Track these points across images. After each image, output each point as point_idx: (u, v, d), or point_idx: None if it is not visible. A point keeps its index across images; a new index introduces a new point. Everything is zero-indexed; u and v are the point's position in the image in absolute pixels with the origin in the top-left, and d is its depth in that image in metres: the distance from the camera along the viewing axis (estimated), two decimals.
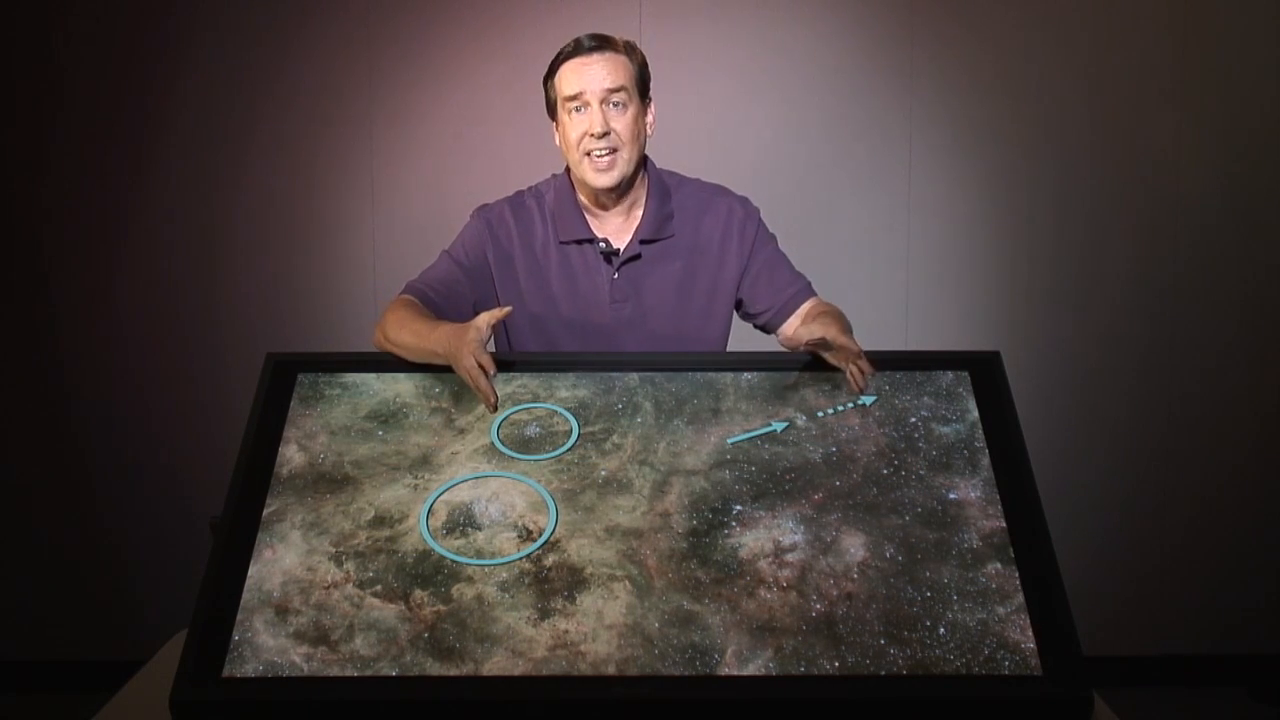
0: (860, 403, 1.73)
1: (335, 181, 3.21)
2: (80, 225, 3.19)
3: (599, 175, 1.93)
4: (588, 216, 2.01)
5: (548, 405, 1.75)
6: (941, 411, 1.72)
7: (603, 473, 1.64)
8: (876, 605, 1.47)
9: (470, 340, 1.68)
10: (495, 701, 1.38)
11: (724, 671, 1.40)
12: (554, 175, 2.07)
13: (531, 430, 1.71)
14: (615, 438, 1.69)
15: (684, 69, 3.15)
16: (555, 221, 2.01)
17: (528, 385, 1.78)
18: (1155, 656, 3.28)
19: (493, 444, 1.69)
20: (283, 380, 1.77)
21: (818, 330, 1.74)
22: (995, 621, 1.45)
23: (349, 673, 1.40)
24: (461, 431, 1.71)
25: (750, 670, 1.40)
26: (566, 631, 1.44)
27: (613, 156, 1.91)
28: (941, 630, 1.44)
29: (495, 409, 1.71)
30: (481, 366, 1.67)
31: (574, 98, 1.91)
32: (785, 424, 1.70)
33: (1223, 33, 3.16)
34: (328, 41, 3.16)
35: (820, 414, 1.72)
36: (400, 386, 1.78)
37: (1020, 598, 1.48)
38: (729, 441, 1.68)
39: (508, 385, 1.77)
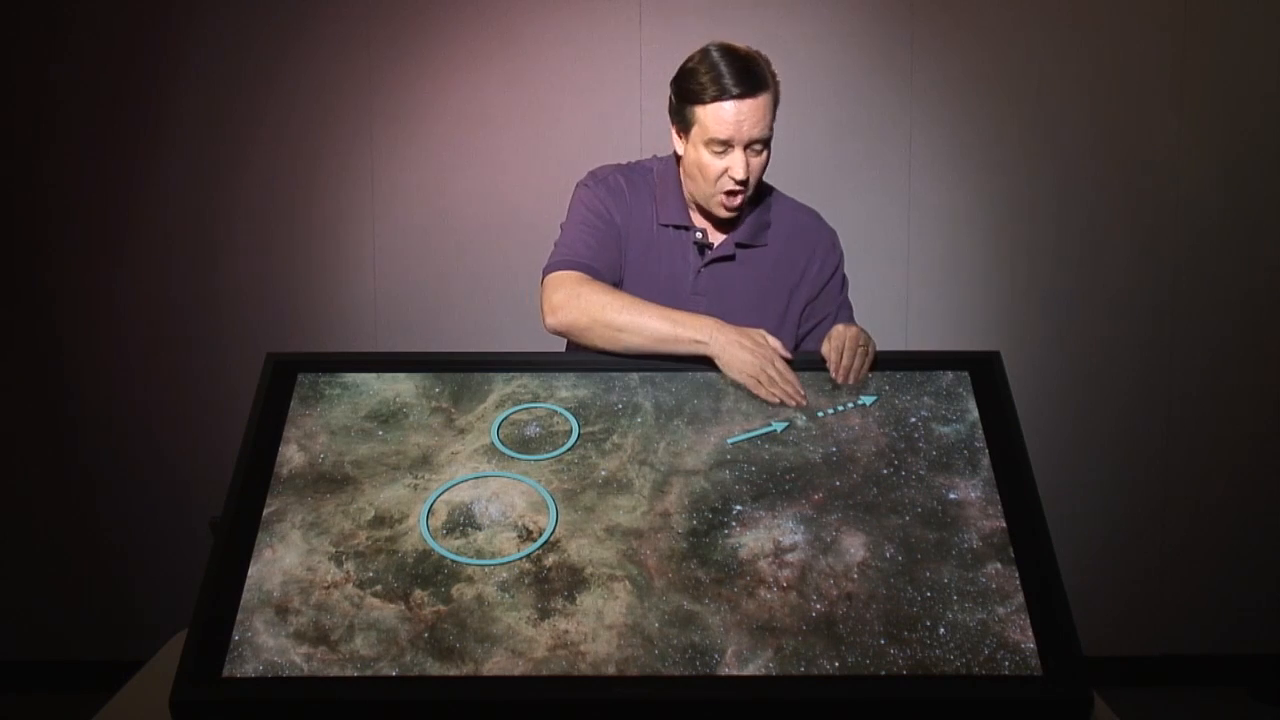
0: (860, 403, 1.73)
1: (335, 181, 3.21)
2: (80, 225, 3.19)
3: (724, 210, 1.93)
4: (688, 206, 2.01)
5: (548, 405, 1.75)
6: (941, 411, 1.71)
7: (603, 473, 1.64)
8: (876, 605, 1.47)
9: (764, 342, 1.77)
10: (495, 701, 1.38)
11: (724, 671, 1.40)
12: (657, 157, 2.06)
13: (531, 430, 1.71)
14: (615, 438, 1.69)
15: None
16: (658, 203, 2.00)
17: (528, 385, 1.78)
18: (1155, 656, 3.28)
19: (493, 444, 1.69)
20: (283, 380, 1.77)
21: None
22: (995, 621, 1.45)
23: (349, 673, 1.40)
24: (461, 431, 1.71)
25: (750, 670, 1.40)
26: (566, 631, 1.44)
27: (742, 195, 1.91)
28: (941, 630, 1.44)
29: (799, 405, 1.74)
30: (784, 372, 1.75)
31: (723, 142, 1.86)
32: (785, 424, 1.70)
33: (1223, 33, 3.16)
34: (328, 41, 3.16)
35: (820, 414, 1.72)
36: (400, 386, 1.78)
37: (1020, 598, 1.48)
38: (729, 441, 1.68)
39: (507, 385, 1.78)
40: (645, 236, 1.99)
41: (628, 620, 1.45)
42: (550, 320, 1.87)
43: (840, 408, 1.73)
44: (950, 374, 1.77)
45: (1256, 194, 3.20)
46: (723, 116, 1.83)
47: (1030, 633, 1.44)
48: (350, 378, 1.79)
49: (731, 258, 1.99)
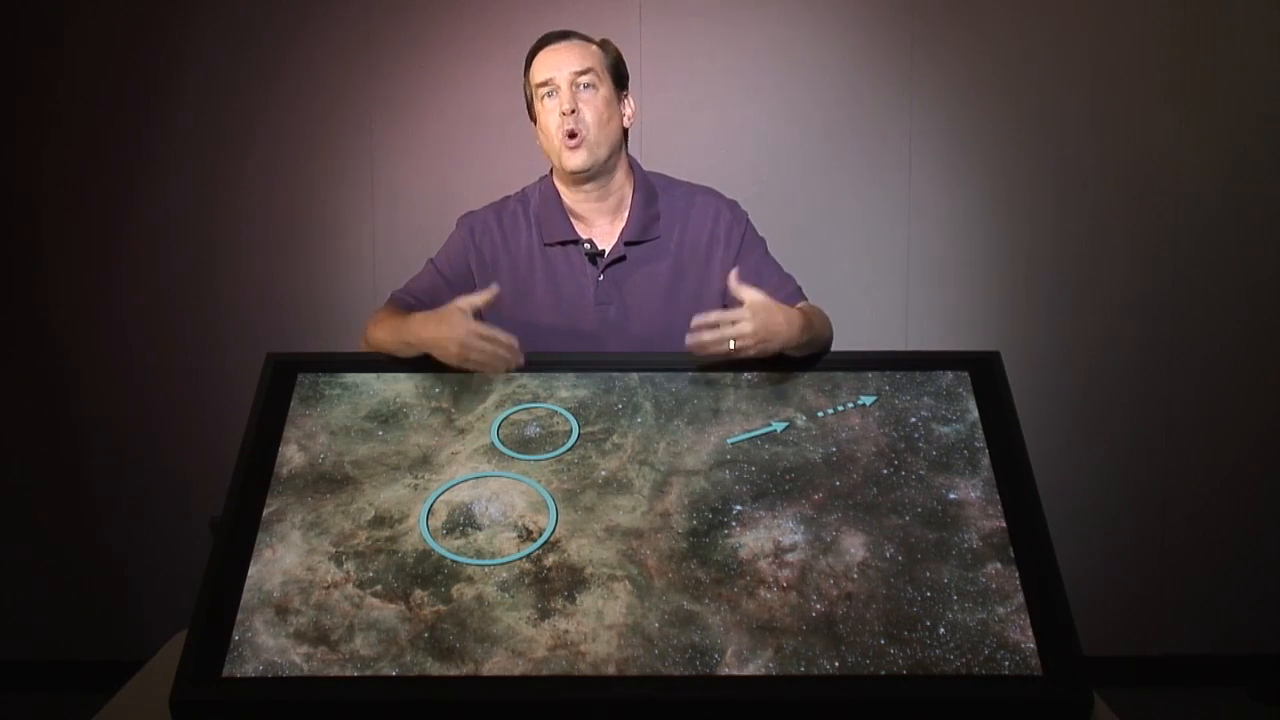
0: (860, 403, 1.73)
1: (335, 181, 3.21)
2: (80, 226, 3.19)
3: (570, 156, 1.94)
4: (573, 219, 2.01)
5: (548, 405, 1.75)
6: (941, 411, 1.72)
7: (603, 473, 1.64)
8: (876, 605, 1.47)
9: (459, 320, 1.74)
10: (495, 701, 1.38)
11: (724, 671, 1.40)
12: (540, 179, 2.08)
13: (531, 430, 1.71)
14: (615, 438, 1.69)
15: (684, 69, 3.15)
16: (540, 224, 2.01)
17: (528, 385, 1.78)
18: (1155, 656, 3.28)
19: (493, 444, 1.69)
20: (283, 380, 1.77)
21: (745, 295, 1.73)
22: (995, 621, 1.45)
23: (349, 673, 1.40)
24: (461, 431, 1.71)
25: (750, 670, 1.40)
26: (566, 631, 1.44)
27: (579, 139, 1.93)
28: (941, 630, 1.44)
29: (514, 367, 1.75)
30: (485, 336, 1.73)
31: (544, 84, 1.96)
32: (785, 424, 1.70)
33: (1223, 33, 3.16)
34: (328, 41, 3.16)
35: (820, 414, 1.72)
36: (400, 386, 1.78)
37: (1020, 598, 1.48)
38: (729, 441, 1.68)
39: (508, 385, 1.78)
40: (528, 263, 2.01)
41: (628, 620, 1.45)
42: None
43: (840, 408, 1.73)
44: (950, 374, 1.77)
45: (1256, 194, 3.20)
46: (540, 62, 1.99)
47: (1030, 633, 1.44)
48: (350, 378, 1.79)
49: (624, 259, 1.99)
